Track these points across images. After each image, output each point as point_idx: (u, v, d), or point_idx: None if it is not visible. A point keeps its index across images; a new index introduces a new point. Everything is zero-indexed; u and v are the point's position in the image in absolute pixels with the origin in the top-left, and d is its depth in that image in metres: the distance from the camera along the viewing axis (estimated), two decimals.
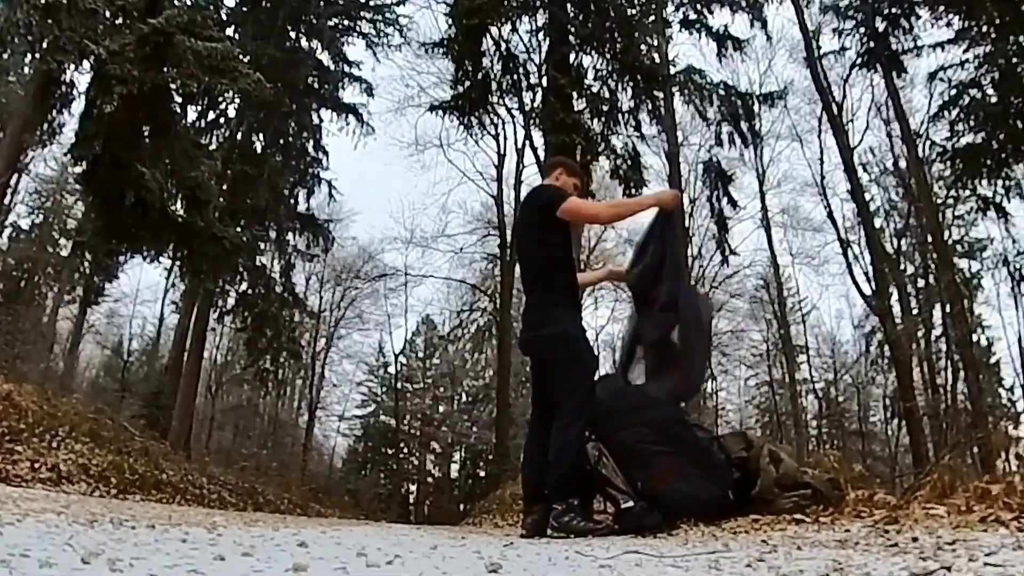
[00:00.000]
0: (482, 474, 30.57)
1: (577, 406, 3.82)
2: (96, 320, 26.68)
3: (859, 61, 16.58)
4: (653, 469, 3.68)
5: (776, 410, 25.91)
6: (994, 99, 13.94)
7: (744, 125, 17.56)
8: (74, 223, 22.64)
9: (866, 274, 18.21)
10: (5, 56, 12.28)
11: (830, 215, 19.61)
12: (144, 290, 27.63)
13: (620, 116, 15.11)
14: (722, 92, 17.00)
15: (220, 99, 16.32)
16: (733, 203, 17.97)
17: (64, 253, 23.20)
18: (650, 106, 15.44)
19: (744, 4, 16.91)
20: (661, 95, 15.64)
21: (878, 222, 19.71)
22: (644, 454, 3.72)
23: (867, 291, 18.09)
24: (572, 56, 14.82)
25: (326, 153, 19.43)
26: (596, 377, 4.09)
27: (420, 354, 34.70)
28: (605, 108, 14.89)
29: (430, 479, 33.94)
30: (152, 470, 9.29)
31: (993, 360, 23.57)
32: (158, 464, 9.91)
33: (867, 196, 18.17)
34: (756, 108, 17.99)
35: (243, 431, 28.77)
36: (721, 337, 25.81)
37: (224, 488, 12.01)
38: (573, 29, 14.72)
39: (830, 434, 25.31)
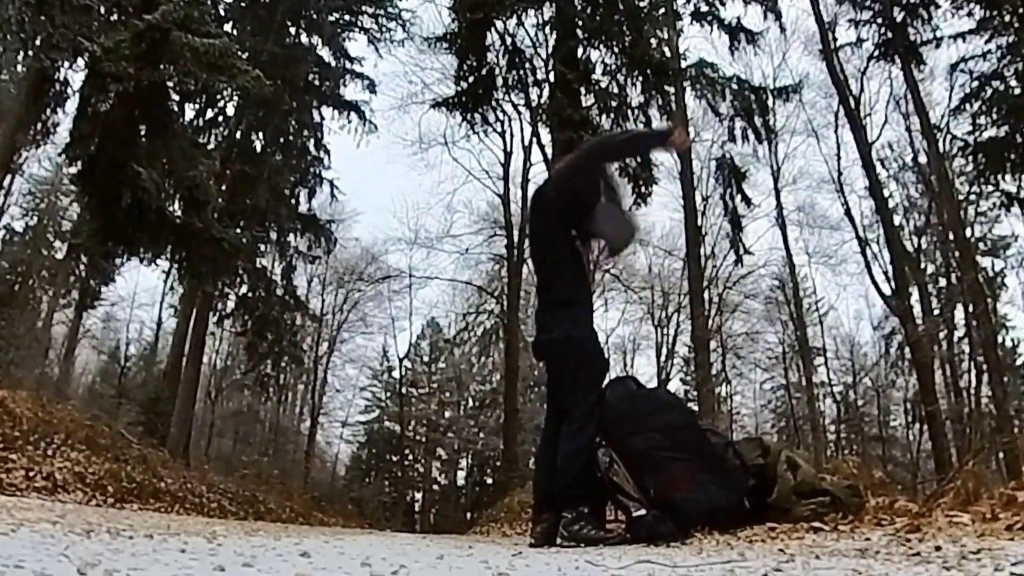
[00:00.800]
0: (489, 481, 30.58)
1: (586, 411, 3.81)
2: (92, 325, 26.81)
3: (877, 53, 16.53)
4: (666, 476, 3.66)
5: (793, 414, 25.78)
6: (1018, 91, 13.88)
7: (758, 120, 17.55)
8: (69, 225, 22.81)
9: (885, 273, 18.15)
10: None
11: (847, 213, 19.57)
12: (141, 293, 27.95)
13: (629, 112, 15.09)
14: (735, 86, 16.99)
15: (218, 97, 16.39)
16: (747, 201, 17.96)
17: (59, 256, 23.38)
18: (660, 101, 15.41)
19: None
20: (672, 90, 15.61)
21: (897, 219, 19.64)
22: (656, 460, 3.69)
23: (886, 291, 18.02)
24: (580, 50, 14.80)
25: (327, 152, 19.53)
26: (607, 381, 4.07)
27: (425, 358, 34.73)
28: (614, 104, 14.88)
29: (436, 487, 33.98)
30: (150, 478, 9.32)
31: (1019, 362, 23.46)
32: (156, 472, 9.94)
33: (886, 193, 18.11)
34: (770, 102, 17.99)
35: (243, 438, 28.83)
36: (736, 339, 25.79)
37: (224, 496, 12.05)
38: (581, 22, 14.71)
39: (849, 439, 25.24)
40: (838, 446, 23.82)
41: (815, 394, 23.05)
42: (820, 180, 21.95)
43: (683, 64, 16.36)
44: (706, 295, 20.24)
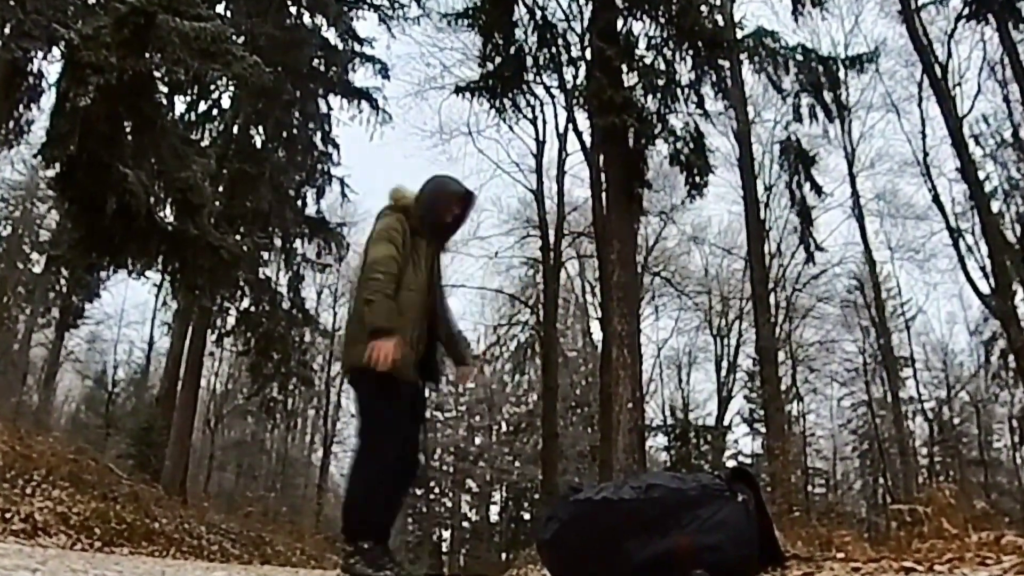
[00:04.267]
0: (527, 516, 30.54)
1: None
2: (75, 346, 27.32)
3: (966, 12, 16.29)
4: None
5: (877, 436, 25.43)
6: None
7: (828, 95, 17.32)
8: (48, 235, 23.17)
9: (983, 269, 17.91)
10: None
11: (936, 199, 19.36)
12: (130, 310, 28.16)
13: (679, 91, 14.92)
14: (800, 57, 16.77)
15: (212, 87, 16.60)
16: (817, 189, 17.75)
17: (37, 269, 23.74)
18: (714, 78, 15.23)
19: None
20: (727, 64, 15.48)
21: (995, 205, 19.33)
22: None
23: (985, 290, 17.75)
24: (620, 22, 14.69)
25: (337, 146, 19.61)
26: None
27: (451, 377, 34.75)
28: (661, 82, 14.73)
29: (466, 523, 34.05)
30: (142, 518, 9.41)
31: None
32: (149, 511, 10.04)
33: (981, 174, 17.88)
34: (842, 74, 17.73)
35: (247, 471, 29.12)
36: (808, 349, 25.52)
37: (226, 537, 12.15)
38: None
39: (944, 463, 24.87)
40: (932, 472, 23.46)
41: (903, 411, 22.79)
42: (903, 162, 21.83)
43: (739, 34, 16.17)
44: (772, 299, 20.10)
